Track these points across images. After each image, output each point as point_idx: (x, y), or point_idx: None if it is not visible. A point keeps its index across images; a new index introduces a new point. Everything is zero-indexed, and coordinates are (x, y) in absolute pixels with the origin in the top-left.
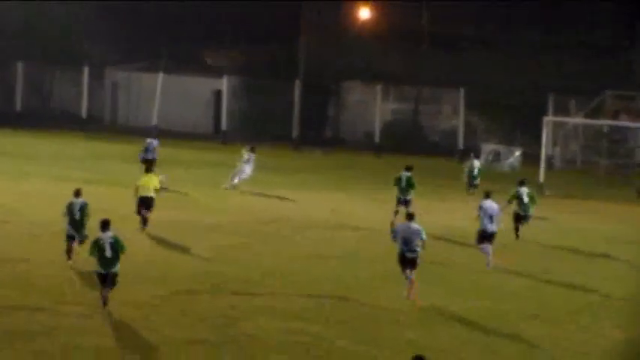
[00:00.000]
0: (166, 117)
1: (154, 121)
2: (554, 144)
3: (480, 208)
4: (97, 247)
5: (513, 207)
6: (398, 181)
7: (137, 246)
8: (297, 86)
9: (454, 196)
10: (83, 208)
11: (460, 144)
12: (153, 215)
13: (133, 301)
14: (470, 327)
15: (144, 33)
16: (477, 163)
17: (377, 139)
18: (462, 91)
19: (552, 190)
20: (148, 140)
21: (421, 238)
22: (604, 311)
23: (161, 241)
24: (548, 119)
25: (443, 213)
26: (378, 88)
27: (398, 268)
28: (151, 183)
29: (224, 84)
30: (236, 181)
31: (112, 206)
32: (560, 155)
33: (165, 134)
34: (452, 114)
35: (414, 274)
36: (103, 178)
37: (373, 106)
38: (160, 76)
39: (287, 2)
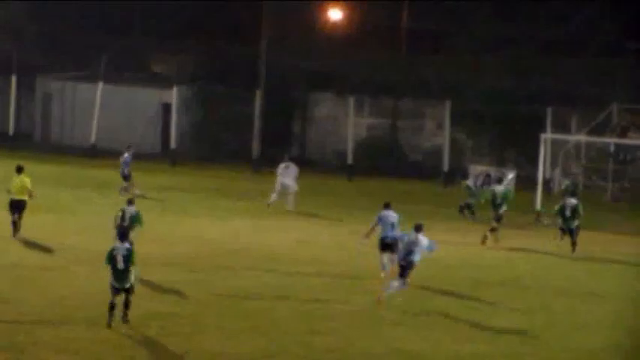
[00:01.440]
0: (106, 134)
1: (92, 138)
2: (553, 165)
3: (379, 218)
4: (111, 257)
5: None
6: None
7: (74, 282)
8: (257, 98)
9: (440, 226)
10: (133, 218)
11: (445, 165)
12: (95, 247)
13: (65, 348)
14: None
15: (81, 37)
16: (499, 189)
17: (349, 159)
18: (447, 103)
19: (551, 218)
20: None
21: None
22: (613, 358)
23: (103, 276)
24: (546, 136)
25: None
26: (351, 100)
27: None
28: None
29: (174, 95)
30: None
31: (43, 235)
32: (560, 178)
33: (105, 154)
34: (436, 130)
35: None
36: (32, 203)
37: (345, 121)
38: (100, 86)
39: (247, 2)
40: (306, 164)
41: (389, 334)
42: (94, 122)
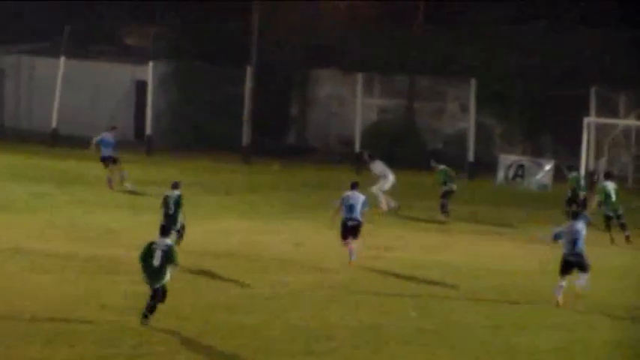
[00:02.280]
0: (70, 117)
1: (53, 123)
2: (599, 154)
3: (342, 198)
4: (149, 252)
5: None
6: None
7: (30, 293)
8: (248, 75)
9: (461, 227)
10: (177, 202)
11: (471, 155)
12: (55, 251)
13: None
14: None
15: (40, 2)
16: (611, 186)
17: (357, 146)
18: (472, 82)
19: (595, 218)
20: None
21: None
22: None
23: (73, 284)
24: (590, 120)
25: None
26: (359, 77)
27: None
28: None
29: (149, 72)
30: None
31: None
32: (606, 170)
33: (67, 141)
34: (459, 113)
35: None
36: None
37: (352, 103)
38: (62, 61)
39: None
40: (305, 153)
41: (400, 354)
42: (56, 104)
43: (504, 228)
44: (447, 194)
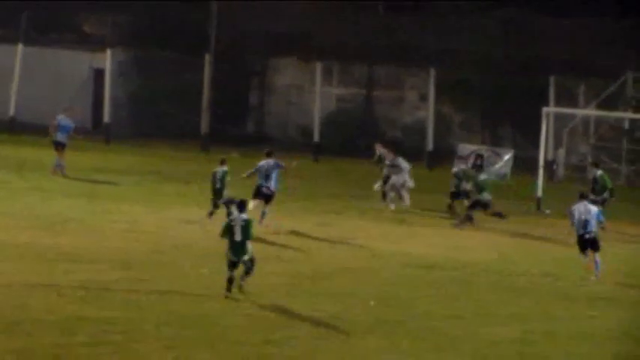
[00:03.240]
0: (28, 105)
1: (11, 111)
2: (557, 144)
3: (258, 167)
4: (229, 228)
5: None
6: None
7: None
8: (207, 64)
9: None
10: (223, 177)
11: (430, 144)
12: (12, 240)
13: None
14: None
15: None
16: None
17: (316, 136)
18: (432, 71)
19: (554, 207)
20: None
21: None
22: None
23: (31, 272)
24: (549, 110)
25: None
26: (318, 66)
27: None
28: None
29: (107, 60)
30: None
31: None
32: (565, 160)
33: (26, 128)
34: (418, 102)
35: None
36: None
37: (311, 92)
38: (19, 48)
39: None
40: (264, 142)
41: (359, 344)
42: (13, 91)
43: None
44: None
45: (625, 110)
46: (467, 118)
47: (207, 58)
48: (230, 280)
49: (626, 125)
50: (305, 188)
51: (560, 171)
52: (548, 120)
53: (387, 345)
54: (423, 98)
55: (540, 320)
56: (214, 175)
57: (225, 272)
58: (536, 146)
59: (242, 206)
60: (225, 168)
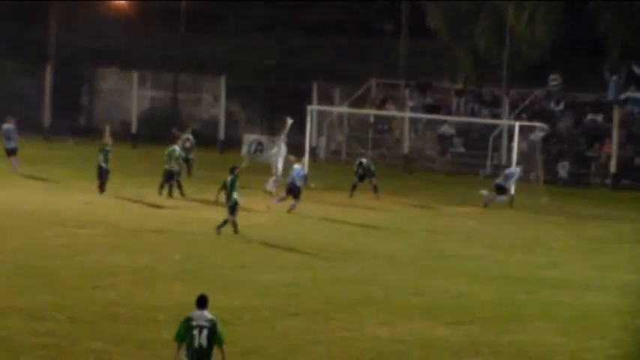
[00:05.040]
0: None
1: None
2: (319, 134)
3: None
4: (188, 329)
5: None
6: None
7: None
8: (48, 72)
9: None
10: (233, 184)
11: (221, 134)
12: None
13: None
14: (230, 326)
15: None
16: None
17: (133, 128)
18: (222, 78)
19: (317, 182)
20: (5, 126)
21: None
22: (367, 308)
23: None
24: (312, 108)
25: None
26: (135, 74)
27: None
28: None
29: None
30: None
31: None
32: (326, 146)
33: None
34: (213, 102)
35: None
36: None
37: (129, 94)
38: None
39: None
40: (93, 132)
41: (168, 288)
42: None
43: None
44: (169, 174)
45: (370, 108)
46: (250, 114)
47: (48, 68)
48: None
49: (371, 119)
50: (125, 169)
51: (322, 154)
52: (312, 115)
53: (187, 289)
54: (216, 99)
55: (304, 269)
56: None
57: (65, 235)
58: (304, 135)
59: (202, 303)
60: (232, 176)
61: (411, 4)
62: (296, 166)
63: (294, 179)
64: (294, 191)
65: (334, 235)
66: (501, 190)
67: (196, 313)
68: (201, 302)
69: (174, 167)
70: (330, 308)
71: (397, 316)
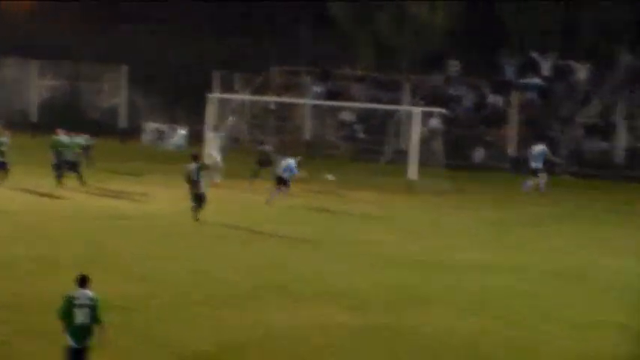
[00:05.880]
0: None
1: None
2: (221, 121)
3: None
4: (70, 307)
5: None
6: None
7: None
8: None
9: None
10: (199, 170)
11: (123, 122)
12: None
13: None
14: (129, 312)
15: None
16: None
17: (34, 117)
18: (124, 68)
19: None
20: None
21: None
22: (269, 294)
23: None
24: (213, 96)
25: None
26: (34, 64)
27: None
28: None
29: None
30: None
31: None
32: (228, 133)
33: None
34: (114, 91)
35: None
36: None
37: (29, 84)
38: None
39: None
40: None
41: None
42: None
43: (154, 177)
44: (65, 163)
45: (271, 95)
46: (153, 103)
47: None
48: None
49: (273, 106)
50: (25, 159)
51: (223, 141)
52: (213, 103)
53: (96, 278)
54: (118, 88)
55: (209, 257)
56: (188, 169)
57: None
58: (204, 124)
59: (83, 281)
60: (197, 164)
61: None
62: (290, 160)
63: (283, 170)
64: (282, 181)
65: (238, 222)
66: (538, 171)
67: (78, 292)
68: (82, 281)
69: (69, 157)
70: (232, 294)
71: (298, 301)
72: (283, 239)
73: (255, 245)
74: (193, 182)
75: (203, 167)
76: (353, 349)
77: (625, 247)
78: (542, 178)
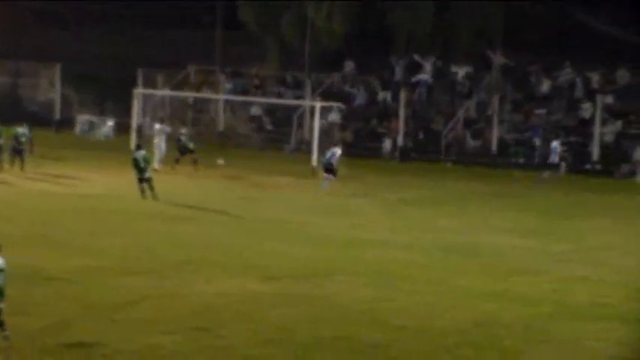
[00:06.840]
0: None
1: None
2: (144, 114)
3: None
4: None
5: None
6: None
7: None
8: None
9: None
10: (146, 159)
11: (57, 115)
12: None
13: None
14: (62, 283)
15: None
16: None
17: None
18: (58, 66)
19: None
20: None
21: None
22: (198, 268)
23: None
24: (138, 91)
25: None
26: None
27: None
28: None
29: None
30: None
31: None
32: (150, 125)
33: None
34: (49, 87)
35: None
36: None
37: None
38: None
39: None
40: None
41: (25, 252)
42: None
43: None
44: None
45: (190, 91)
46: (85, 97)
47: None
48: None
49: (191, 101)
50: None
51: (147, 131)
52: (138, 98)
53: (40, 253)
54: (53, 84)
55: (146, 233)
56: (136, 159)
57: None
58: (131, 116)
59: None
60: (143, 151)
61: (225, 1)
62: (335, 149)
63: (329, 159)
64: (331, 170)
65: (170, 202)
66: (556, 165)
67: None
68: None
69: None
70: (163, 267)
71: (223, 274)
72: (211, 219)
73: (188, 223)
74: (140, 168)
75: (148, 155)
76: (270, 314)
77: (501, 226)
78: (561, 169)
